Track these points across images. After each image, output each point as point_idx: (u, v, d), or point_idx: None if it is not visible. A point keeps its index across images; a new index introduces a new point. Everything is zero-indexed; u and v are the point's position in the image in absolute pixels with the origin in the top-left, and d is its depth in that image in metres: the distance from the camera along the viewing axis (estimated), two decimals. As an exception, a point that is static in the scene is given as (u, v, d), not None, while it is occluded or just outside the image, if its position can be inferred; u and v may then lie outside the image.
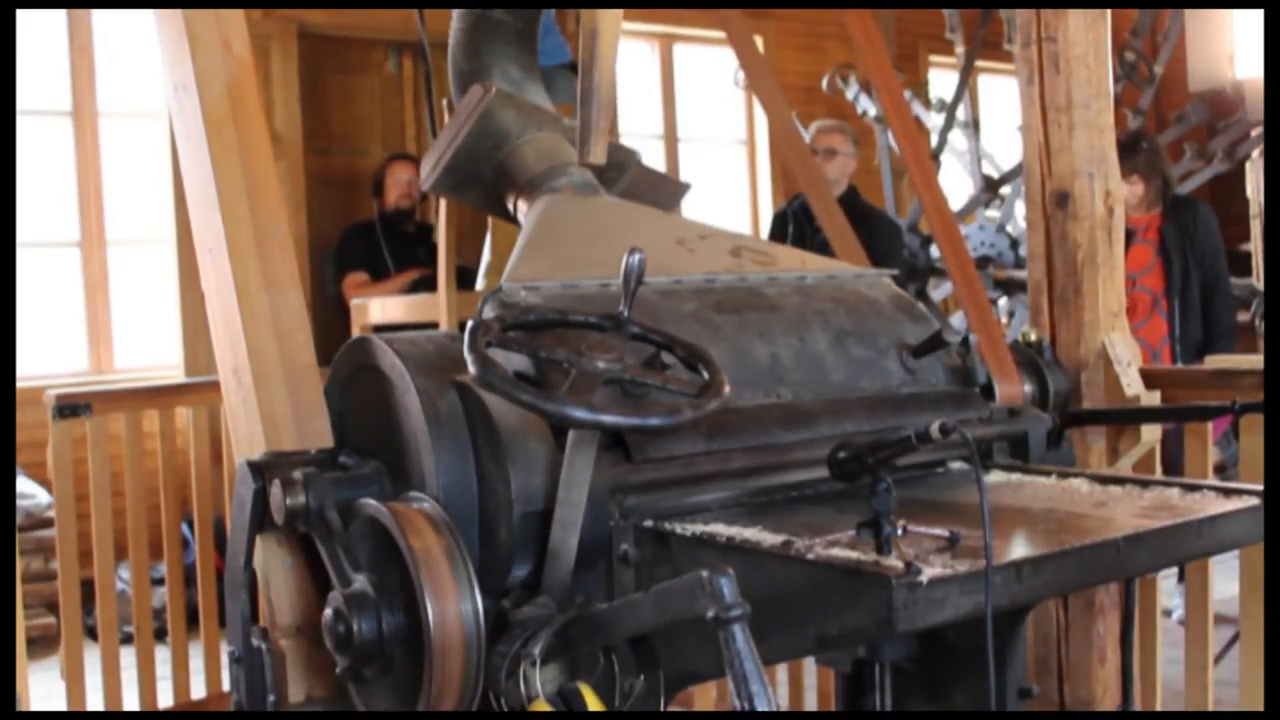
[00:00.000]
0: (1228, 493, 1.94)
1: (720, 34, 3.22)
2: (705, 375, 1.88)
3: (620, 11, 2.17)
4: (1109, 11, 2.78)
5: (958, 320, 5.77)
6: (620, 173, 2.83)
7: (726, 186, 8.37)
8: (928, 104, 7.51)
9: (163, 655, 3.93)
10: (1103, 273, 2.75)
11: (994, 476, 2.17)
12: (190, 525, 4.21)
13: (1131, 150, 4.75)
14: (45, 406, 3.69)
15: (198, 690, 3.98)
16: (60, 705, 3.77)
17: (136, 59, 6.15)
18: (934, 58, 9.02)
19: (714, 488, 1.96)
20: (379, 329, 3.86)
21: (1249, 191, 6.80)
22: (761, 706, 1.40)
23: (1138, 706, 2.63)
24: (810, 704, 3.59)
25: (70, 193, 6.08)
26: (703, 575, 1.45)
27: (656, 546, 1.82)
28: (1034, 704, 2.20)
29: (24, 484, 5.24)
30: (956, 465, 2.22)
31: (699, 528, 1.78)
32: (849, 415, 2.14)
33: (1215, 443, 2.98)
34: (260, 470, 2.00)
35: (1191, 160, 7.17)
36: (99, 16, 6.08)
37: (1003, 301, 6.85)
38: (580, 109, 2.22)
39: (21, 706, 3.41)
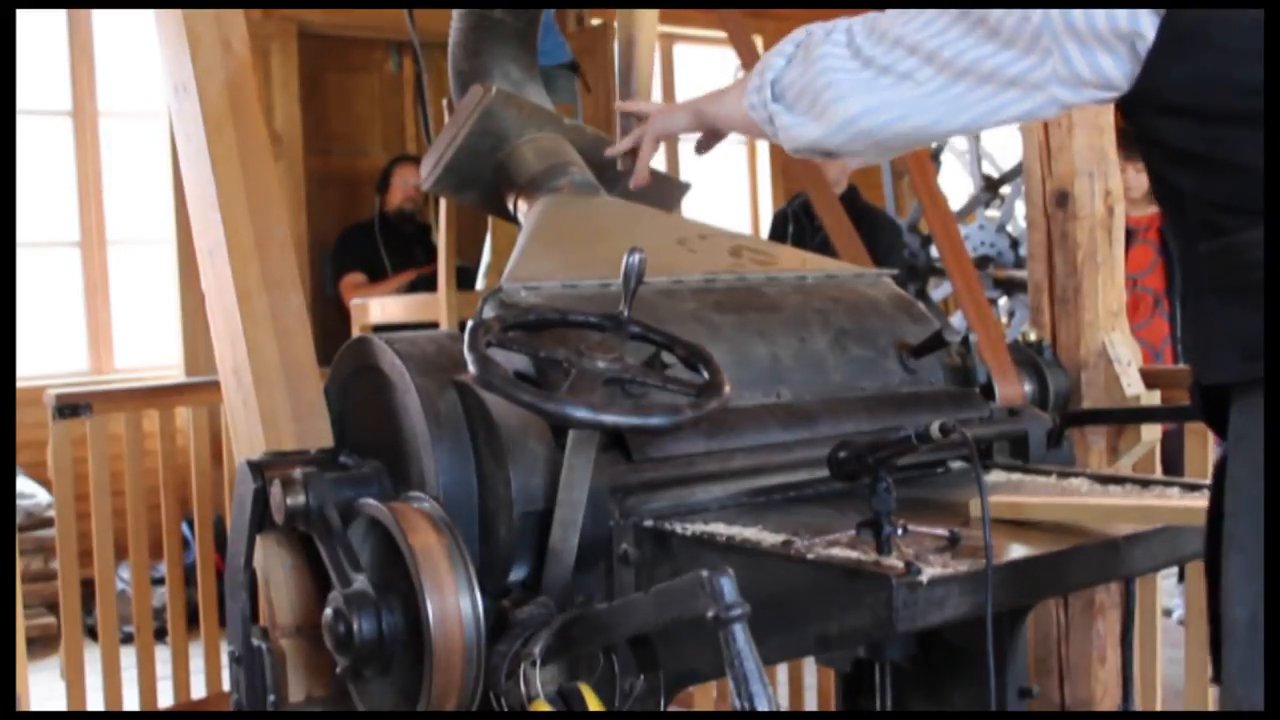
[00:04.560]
0: (1228, 492, 1.94)
1: (720, 34, 3.22)
2: (705, 375, 1.88)
3: (655, 19, 2.18)
4: (1109, 11, 2.78)
5: (958, 320, 5.76)
6: (621, 172, 2.83)
7: (726, 186, 8.36)
8: (928, 104, 7.50)
9: (163, 655, 3.93)
10: (1103, 272, 2.75)
11: (994, 476, 2.17)
12: (190, 525, 4.21)
13: None
14: (45, 406, 3.69)
15: (198, 690, 3.98)
16: (60, 705, 3.77)
17: (136, 59, 6.14)
18: (934, 58, 9.01)
19: (714, 488, 1.96)
20: (379, 329, 3.86)
21: (1249, 191, 6.79)
22: (761, 706, 1.41)
23: (1138, 706, 2.63)
24: (810, 704, 3.59)
25: (70, 193, 6.07)
26: (703, 575, 1.45)
27: (656, 546, 1.82)
28: (1034, 704, 2.20)
29: (24, 484, 5.24)
30: (956, 465, 2.22)
31: (699, 527, 1.78)
32: (849, 415, 2.14)
33: (1216, 443, 2.97)
34: (260, 470, 2.01)
35: (1192, 160, 7.16)
36: (99, 16, 6.07)
37: (1003, 301, 6.84)
38: (620, 117, 2.22)
39: (21, 706, 3.41)
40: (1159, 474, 2.76)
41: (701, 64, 8.22)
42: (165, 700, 3.93)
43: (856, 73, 1.47)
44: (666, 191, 3.02)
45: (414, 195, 5.99)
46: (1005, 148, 7.59)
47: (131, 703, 3.83)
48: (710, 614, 1.43)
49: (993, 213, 7.17)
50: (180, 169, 2.35)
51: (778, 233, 5.41)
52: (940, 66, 1.41)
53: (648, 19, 2.10)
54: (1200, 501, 1.68)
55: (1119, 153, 2.84)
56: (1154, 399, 2.71)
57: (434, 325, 3.58)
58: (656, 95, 8.06)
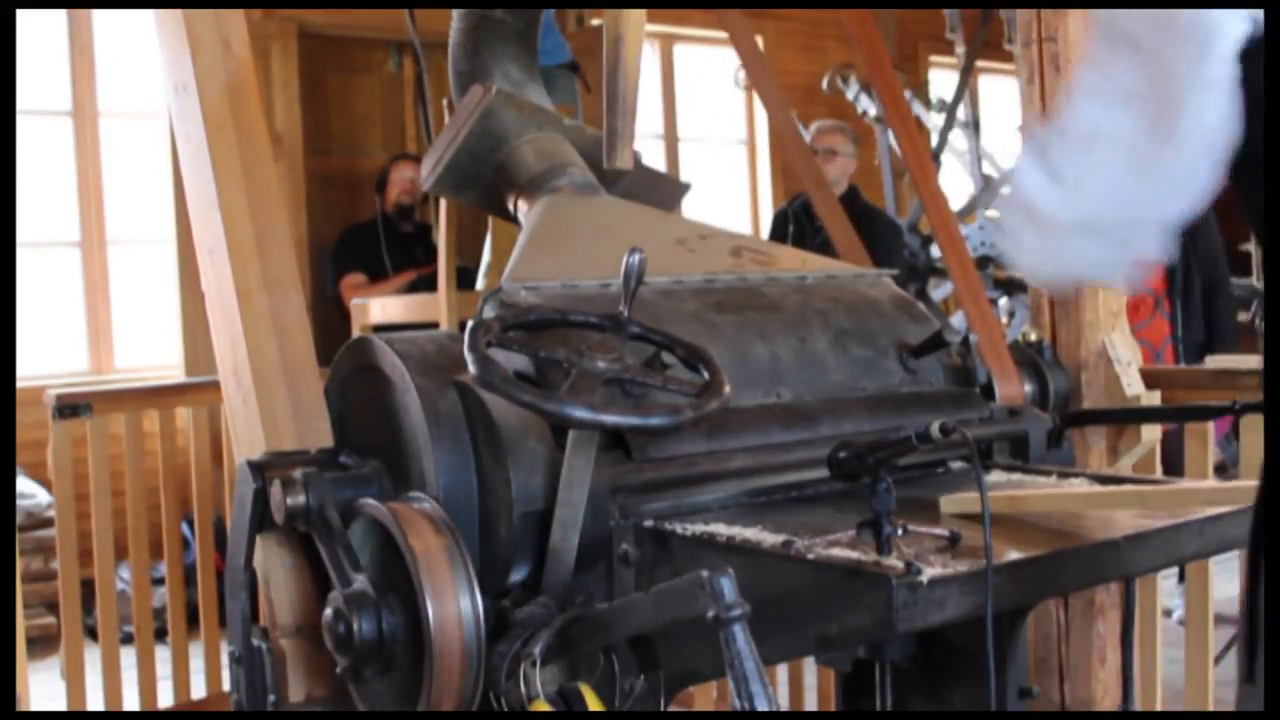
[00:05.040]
0: (1228, 493, 1.94)
1: (720, 34, 3.22)
2: (705, 375, 1.88)
3: (643, 17, 2.17)
4: (1109, 11, 2.78)
5: (958, 320, 5.76)
6: (620, 173, 2.83)
7: (726, 186, 8.36)
8: (928, 104, 7.50)
9: (163, 655, 3.93)
10: (1103, 273, 2.75)
11: (994, 476, 2.17)
12: (190, 525, 4.21)
13: None
14: (45, 406, 3.68)
15: (198, 690, 3.97)
16: (60, 705, 3.77)
17: (136, 59, 6.14)
18: (934, 58, 9.01)
19: (714, 488, 1.96)
20: (379, 329, 3.86)
21: (1249, 191, 6.78)
22: (761, 706, 1.41)
23: (1138, 706, 2.63)
24: (810, 704, 3.58)
25: (70, 193, 6.07)
26: (703, 575, 1.45)
27: (657, 546, 1.82)
28: (1034, 704, 2.20)
29: (24, 484, 5.24)
30: (957, 465, 2.22)
31: (699, 528, 1.78)
32: (849, 415, 2.14)
33: (1217, 443, 2.98)
34: (260, 470, 2.01)
35: (1192, 160, 7.15)
36: (99, 16, 6.07)
37: (1003, 301, 6.83)
38: (606, 115, 2.22)
39: (21, 706, 3.41)
40: (1159, 474, 2.76)
41: (701, 64, 8.22)
42: (165, 700, 3.92)
43: (1049, 180, 1.34)
44: (666, 191, 3.02)
45: (410, 189, 5.98)
46: (1005, 148, 7.59)
47: (131, 703, 3.83)
48: (710, 614, 1.43)
49: (993, 213, 7.16)
50: (180, 169, 2.35)
51: (778, 233, 5.41)
52: (1143, 107, 1.25)
53: (635, 17, 2.09)
54: (1194, 487, 1.68)
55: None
56: (1154, 399, 2.71)
57: (434, 325, 3.58)
58: (652, 95, 8.08)
